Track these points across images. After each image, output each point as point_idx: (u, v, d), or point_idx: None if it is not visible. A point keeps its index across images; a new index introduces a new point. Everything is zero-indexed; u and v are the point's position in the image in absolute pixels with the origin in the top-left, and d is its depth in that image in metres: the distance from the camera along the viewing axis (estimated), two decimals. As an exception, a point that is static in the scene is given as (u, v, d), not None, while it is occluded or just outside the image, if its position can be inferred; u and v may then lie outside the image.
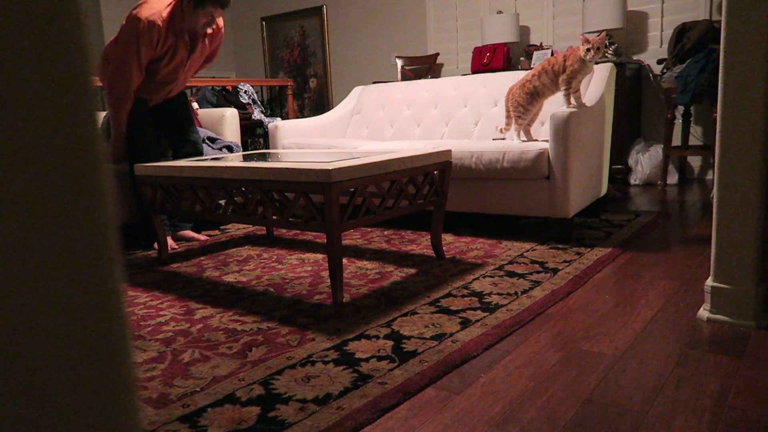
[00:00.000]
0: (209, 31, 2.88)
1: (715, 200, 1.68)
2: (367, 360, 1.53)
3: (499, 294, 2.00)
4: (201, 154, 3.16)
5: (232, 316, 1.93)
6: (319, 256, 2.69)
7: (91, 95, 0.37)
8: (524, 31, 5.27)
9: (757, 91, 1.56)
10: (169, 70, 2.85)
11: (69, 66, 0.36)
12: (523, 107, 2.82)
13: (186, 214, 2.49)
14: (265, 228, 3.32)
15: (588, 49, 2.62)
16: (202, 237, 3.19)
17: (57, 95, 0.35)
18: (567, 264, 2.33)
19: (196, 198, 2.41)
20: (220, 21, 2.92)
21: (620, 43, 4.68)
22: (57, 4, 0.35)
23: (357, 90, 4.19)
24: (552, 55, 4.71)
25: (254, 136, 5.42)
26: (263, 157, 2.62)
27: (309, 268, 2.48)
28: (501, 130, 2.99)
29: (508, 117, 2.93)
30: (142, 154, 2.94)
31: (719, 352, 1.51)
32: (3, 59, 0.33)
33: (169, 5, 2.68)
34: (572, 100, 2.74)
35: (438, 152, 2.36)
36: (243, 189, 2.20)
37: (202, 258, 2.77)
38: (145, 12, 2.62)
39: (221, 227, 3.52)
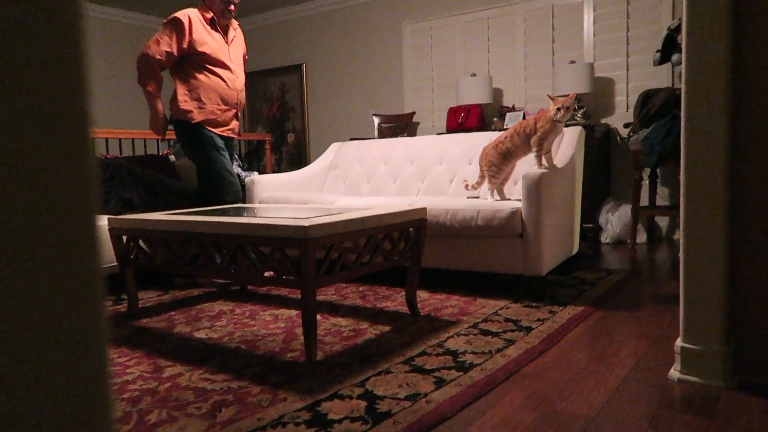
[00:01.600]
0: (234, 25, 3.35)
1: (681, 261, 1.73)
2: (340, 421, 1.50)
3: (473, 353, 2.00)
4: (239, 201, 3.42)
5: (202, 374, 1.89)
6: (293, 312, 2.66)
7: (89, 147, 0.38)
8: (497, 93, 5.46)
9: (719, 155, 1.64)
10: (213, 61, 3.16)
11: (69, 123, 0.37)
12: (496, 167, 2.89)
13: (159, 268, 2.46)
14: (238, 282, 3.28)
15: (558, 109, 2.73)
16: None
17: (55, 146, 0.36)
18: (540, 322, 2.34)
19: (169, 252, 2.39)
20: (235, 23, 3.39)
21: (589, 107, 4.87)
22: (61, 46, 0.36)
23: (335, 146, 4.25)
24: (524, 116, 4.88)
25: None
26: (239, 211, 2.62)
27: (282, 325, 2.45)
28: (468, 186, 3.05)
29: (481, 176, 3.00)
30: (219, 183, 3.19)
31: (691, 413, 1.52)
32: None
33: (195, 8, 3.20)
34: (544, 161, 2.82)
35: (414, 209, 2.40)
36: (218, 244, 2.19)
37: (173, 312, 2.71)
38: (176, 14, 3.13)
39: (194, 281, 3.47)
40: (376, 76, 6.32)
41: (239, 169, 5.14)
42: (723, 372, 1.66)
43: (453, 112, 5.37)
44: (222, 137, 3.28)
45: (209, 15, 3.17)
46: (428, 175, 3.65)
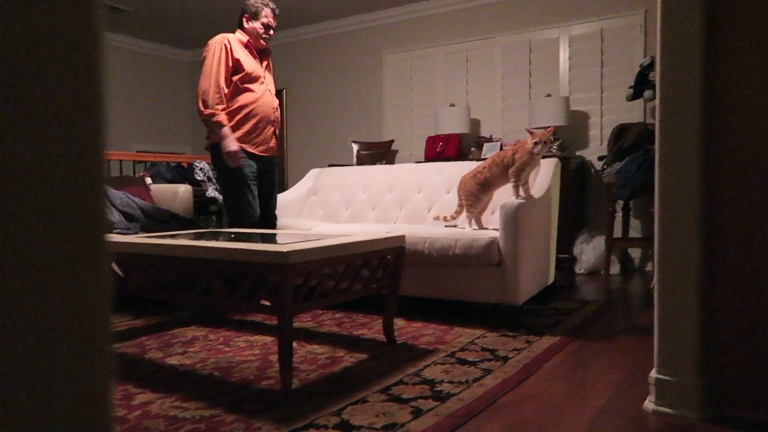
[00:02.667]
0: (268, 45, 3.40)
1: (656, 293, 1.76)
2: (316, 451, 1.47)
3: (451, 382, 1.99)
4: (275, 226, 3.43)
5: (174, 401, 1.84)
6: (269, 338, 2.62)
7: (102, 167, 0.38)
8: (475, 123, 5.54)
9: (691, 189, 1.68)
10: (251, 80, 3.19)
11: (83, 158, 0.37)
12: (474, 197, 2.92)
13: (133, 293, 2.41)
14: (213, 307, 3.23)
15: (536, 143, 2.78)
16: None
17: (69, 172, 0.36)
18: (517, 352, 2.35)
19: (144, 276, 2.35)
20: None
21: (564, 139, 4.97)
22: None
23: (314, 172, 4.26)
24: (501, 147, 4.96)
25: (207, 213, 5.38)
26: (216, 235, 2.59)
27: (257, 351, 2.41)
28: (447, 218, 3.07)
29: (459, 205, 3.03)
30: (246, 209, 3.18)
31: (666, 444, 1.52)
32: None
33: (233, 32, 3.24)
34: (521, 192, 2.86)
35: (393, 237, 2.40)
36: (195, 268, 2.16)
37: (144, 338, 2.65)
38: (215, 39, 3.15)
39: (168, 305, 3.40)
40: (356, 104, 6.38)
41: (216, 193, 5.11)
42: (697, 404, 1.68)
43: (432, 141, 5.43)
44: (262, 157, 3.27)
45: (245, 39, 3.23)
46: (407, 203, 3.66)
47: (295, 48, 6.78)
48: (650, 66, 4.24)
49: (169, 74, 7.55)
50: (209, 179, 5.26)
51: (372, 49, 6.23)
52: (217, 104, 3.07)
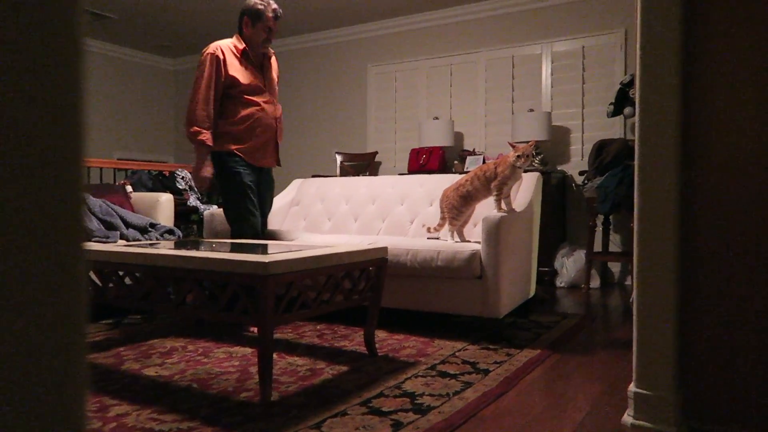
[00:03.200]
0: (271, 52, 3.28)
1: (634, 308, 1.78)
2: (294, 465, 1.45)
3: (431, 395, 1.98)
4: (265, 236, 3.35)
5: (151, 414, 1.81)
6: (248, 349, 2.59)
7: (81, 174, 0.38)
8: (458, 137, 5.58)
9: (670, 205, 1.71)
10: (251, 91, 3.09)
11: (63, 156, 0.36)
12: (457, 209, 2.93)
13: (110, 302, 2.38)
14: (192, 318, 3.19)
15: (518, 156, 2.81)
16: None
17: (47, 178, 0.36)
18: (498, 365, 2.35)
19: (122, 285, 2.32)
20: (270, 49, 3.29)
21: (546, 153, 5.03)
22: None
23: (297, 182, 4.25)
24: (484, 160, 5.00)
25: (189, 222, 5.33)
26: (197, 244, 2.57)
27: (237, 363, 2.38)
28: (430, 230, 3.09)
29: (442, 218, 3.04)
30: (248, 218, 3.08)
31: (644, 458, 1.53)
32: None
33: (229, 39, 3.11)
34: (503, 205, 2.88)
35: (375, 248, 2.40)
36: (175, 278, 2.14)
37: (121, 348, 2.61)
38: (208, 49, 3.03)
39: (146, 315, 3.36)
40: (341, 115, 6.39)
41: (198, 202, 5.07)
42: (675, 418, 1.69)
43: (415, 154, 5.45)
44: (261, 168, 3.21)
45: (242, 46, 3.08)
46: (389, 215, 3.67)
47: (280, 59, 6.76)
48: (630, 83, 4.32)
49: (152, 82, 7.50)
50: (191, 188, 5.22)
51: (357, 61, 6.26)
52: (202, 122, 2.98)
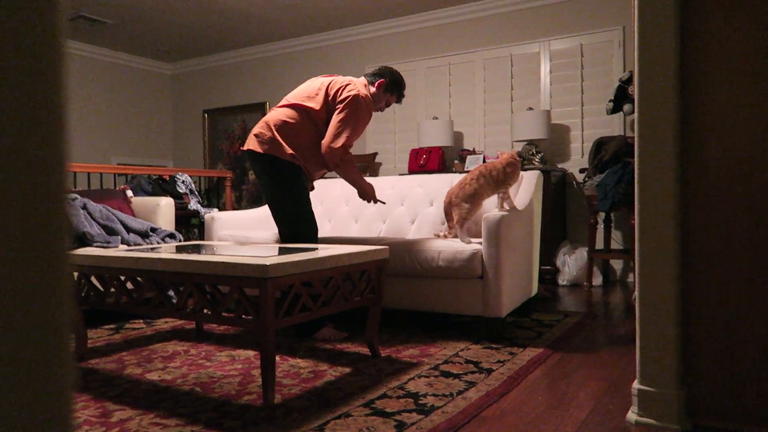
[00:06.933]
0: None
1: (637, 305, 1.77)
2: (297, 467, 1.45)
3: (434, 395, 1.98)
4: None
5: (153, 418, 1.80)
6: (251, 353, 2.59)
7: (63, 178, 0.37)
8: (458, 137, 5.58)
9: (669, 202, 1.70)
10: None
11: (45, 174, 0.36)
12: (468, 208, 2.91)
13: (111, 307, 2.37)
14: (194, 322, 3.19)
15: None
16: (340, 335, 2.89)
17: (26, 182, 0.36)
18: (501, 364, 2.35)
19: (123, 290, 2.31)
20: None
21: (545, 152, 5.02)
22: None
23: (296, 185, 4.24)
24: (484, 159, 4.99)
25: (189, 226, 5.33)
26: (197, 248, 2.57)
27: (239, 366, 2.38)
28: (446, 237, 3.02)
29: (450, 221, 2.98)
30: (313, 225, 2.92)
31: (648, 456, 1.53)
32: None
33: (364, 85, 2.97)
34: (504, 204, 2.88)
35: (376, 249, 2.39)
36: (175, 282, 2.14)
37: (123, 353, 2.61)
38: (363, 91, 2.88)
39: (147, 320, 3.35)
40: (339, 117, 6.38)
41: (199, 205, 5.07)
42: (678, 414, 1.69)
43: (415, 154, 5.45)
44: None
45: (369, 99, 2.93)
46: (390, 216, 3.67)
47: (279, 61, 6.79)
48: (629, 80, 4.31)
49: (150, 87, 7.51)
50: (191, 192, 5.22)
51: (354, 62, 6.26)
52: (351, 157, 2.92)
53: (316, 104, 2.89)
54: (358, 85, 2.91)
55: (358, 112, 2.83)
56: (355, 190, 3.09)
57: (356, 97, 2.83)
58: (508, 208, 2.88)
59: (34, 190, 0.36)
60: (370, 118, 2.94)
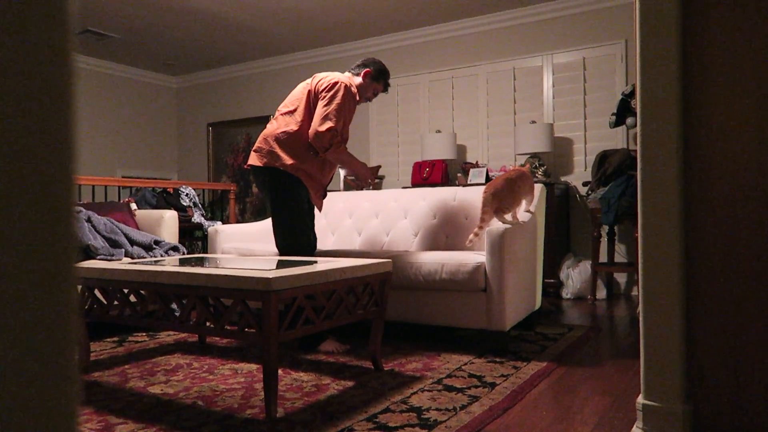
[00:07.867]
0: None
1: (641, 320, 1.76)
2: (300, 482, 1.44)
3: (437, 409, 1.97)
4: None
5: (156, 432, 1.80)
6: (254, 366, 2.58)
7: (71, 191, 0.38)
8: (461, 150, 5.59)
9: (673, 215, 1.70)
10: (347, 130, 3.02)
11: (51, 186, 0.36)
12: (508, 203, 2.89)
13: (115, 320, 2.37)
14: (197, 335, 3.19)
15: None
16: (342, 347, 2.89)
17: (36, 195, 0.36)
18: (504, 378, 2.33)
19: (126, 302, 2.32)
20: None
21: (549, 165, 5.03)
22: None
23: (300, 197, 4.25)
24: (487, 172, 5.00)
25: (193, 239, 5.35)
26: (201, 261, 2.57)
27: (242, 379, 2.37)
28: (476, 234, 2.96)
29: (484, 214, 2.93)
30: (307, 239, 2.95)
31: (654, 471, 1.51)
32: None
33: (348, 77, 3.00)
34: (508, 217, 2.88)
35: (379, 263, 2.39)
36: (178, 294, 2.14)
37: (126, 366, 2.60)
38: (345, 80, 2.92)
39: (151, 333, 3.35)
40: (343, 130, 6.40)
41: (202, 218, 5.08)
42: (683, 430, 1.67)
43: (418, 167, 5.46)
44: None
45: (355, 90, 2.97)
46: (393, 229, 3.67)
47: (282, 75, 6.83)
48: (632, 94, 4.33)
49: (155, 100, 7.56)
50: (195, 204, 5.24)
51: (359, 76, 6.29)
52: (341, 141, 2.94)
53: (303, 106, 2.95)
54: (339, 75, 2.97)
55: (338, 95, 2.86)
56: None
57: (337, 83, 2.88)
58: (511, 220, 2.88)
59: (43, 203, 0.36)
60: (355, 105, 2.98)
